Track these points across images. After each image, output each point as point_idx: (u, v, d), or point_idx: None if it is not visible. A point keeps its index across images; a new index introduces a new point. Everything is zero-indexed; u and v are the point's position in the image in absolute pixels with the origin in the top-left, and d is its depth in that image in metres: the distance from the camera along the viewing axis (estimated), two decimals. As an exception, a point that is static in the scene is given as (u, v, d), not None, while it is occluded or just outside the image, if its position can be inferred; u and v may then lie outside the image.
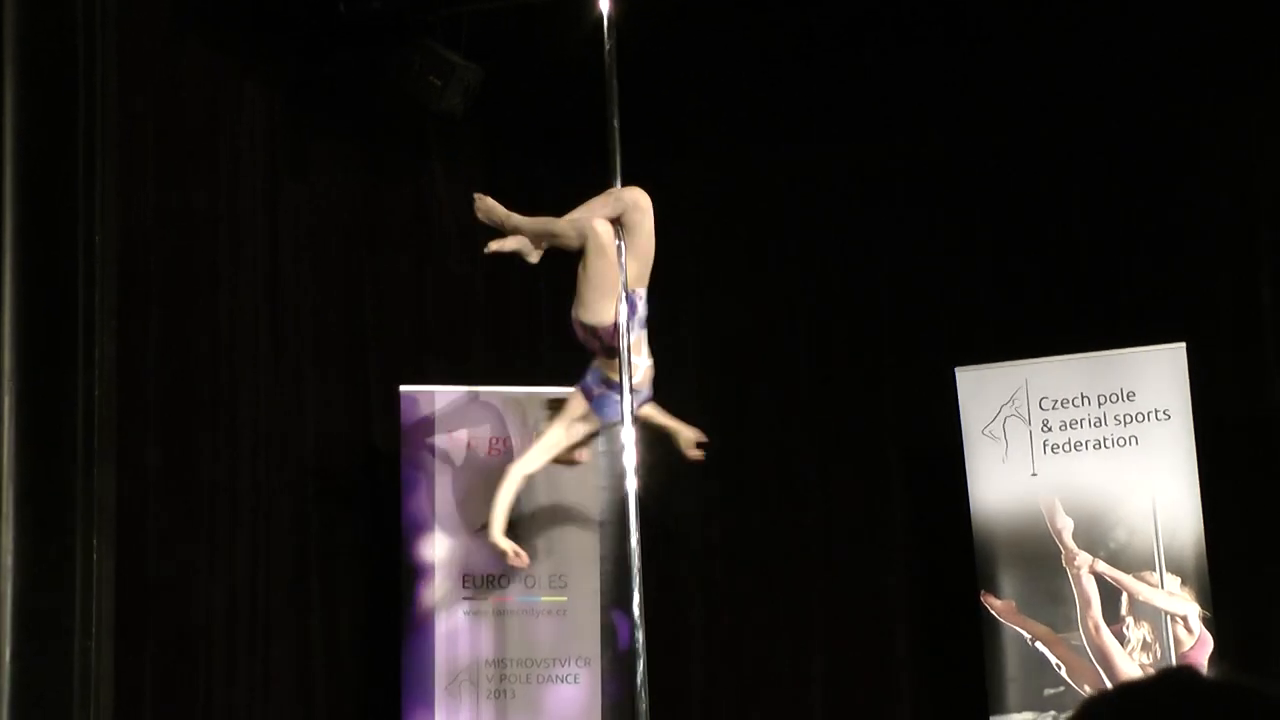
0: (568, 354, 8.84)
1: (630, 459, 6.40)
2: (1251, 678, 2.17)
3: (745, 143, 9.11)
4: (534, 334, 9.16)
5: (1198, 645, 7.75)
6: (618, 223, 6.63)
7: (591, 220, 6.68)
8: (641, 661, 6.22)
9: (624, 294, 6.52)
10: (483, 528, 7.38)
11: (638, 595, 6.25)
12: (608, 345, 6.65)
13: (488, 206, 6.94)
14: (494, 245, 6.98)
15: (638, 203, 6.67)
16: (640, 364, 6.72)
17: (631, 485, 6.37)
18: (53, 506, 5.77)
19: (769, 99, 9.06)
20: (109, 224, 6.10)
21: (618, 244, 6.58)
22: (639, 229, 6.65)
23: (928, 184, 9.02)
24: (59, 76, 6.16)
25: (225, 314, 7.61)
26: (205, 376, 7.46)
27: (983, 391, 8.22)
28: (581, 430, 7.08)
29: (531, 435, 8.09)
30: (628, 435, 6.44)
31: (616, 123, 6.41)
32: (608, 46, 6.41)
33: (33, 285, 5.94)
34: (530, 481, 8.06)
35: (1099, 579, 7.92)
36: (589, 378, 6.96)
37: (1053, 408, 8.13)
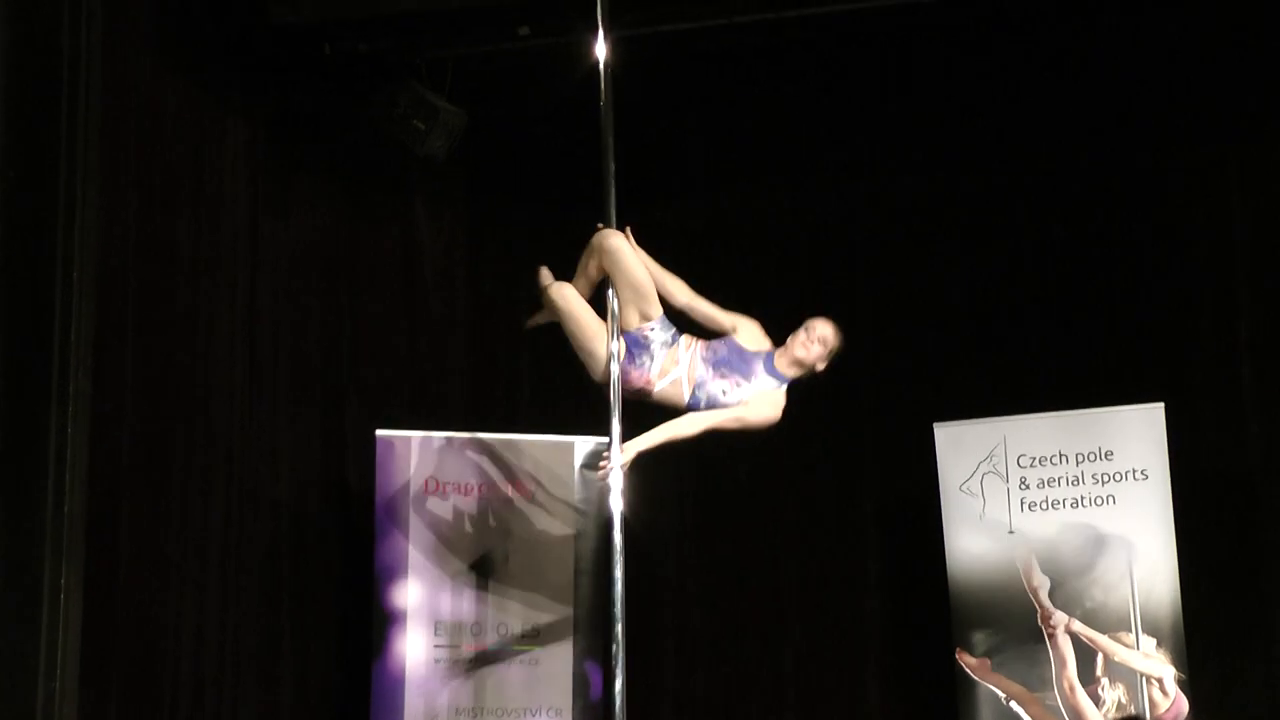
0: (547, 401, 8.86)
1: (617, 505, 6.40)
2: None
3: (728, 193, 9.12)
4: (514, 380, 9.13)
5: (1173, 708, 7.72)
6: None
7: (552, 290, 6.83)
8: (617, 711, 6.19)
9: (617, 337, 6.63)
10: None
11: (619, 633, 6.21)
12: (632, 392, 6.73)
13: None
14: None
15: (602, 246, 6.69)
16: (683, 374, 6.74)
17: (617, 529, 6.35)
18: (22, 544, 5.71)
19: (752, 151, 9.08)
20: (87, 259, 6.07)
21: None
22: (615, 271, 6.66)
23: (907, 240, 9.03)
24: (42, 111, 6.14)
25: (202, 352, 7.56)
26: (180, 414, 7.40)
27: (961, 448, 8.20)
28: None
29: (508, 482, 8.08)
30: (616, 481, 6.42)
31: (612, 169, 6.41)
32: (604, 94, 6.40)
33: (8, 320, 5.90)
34: (507, 531, 8.05)
35: (1075, 638, 7.89)
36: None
37: (1031, 465, 8.12)
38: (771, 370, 6.81)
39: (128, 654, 6.96)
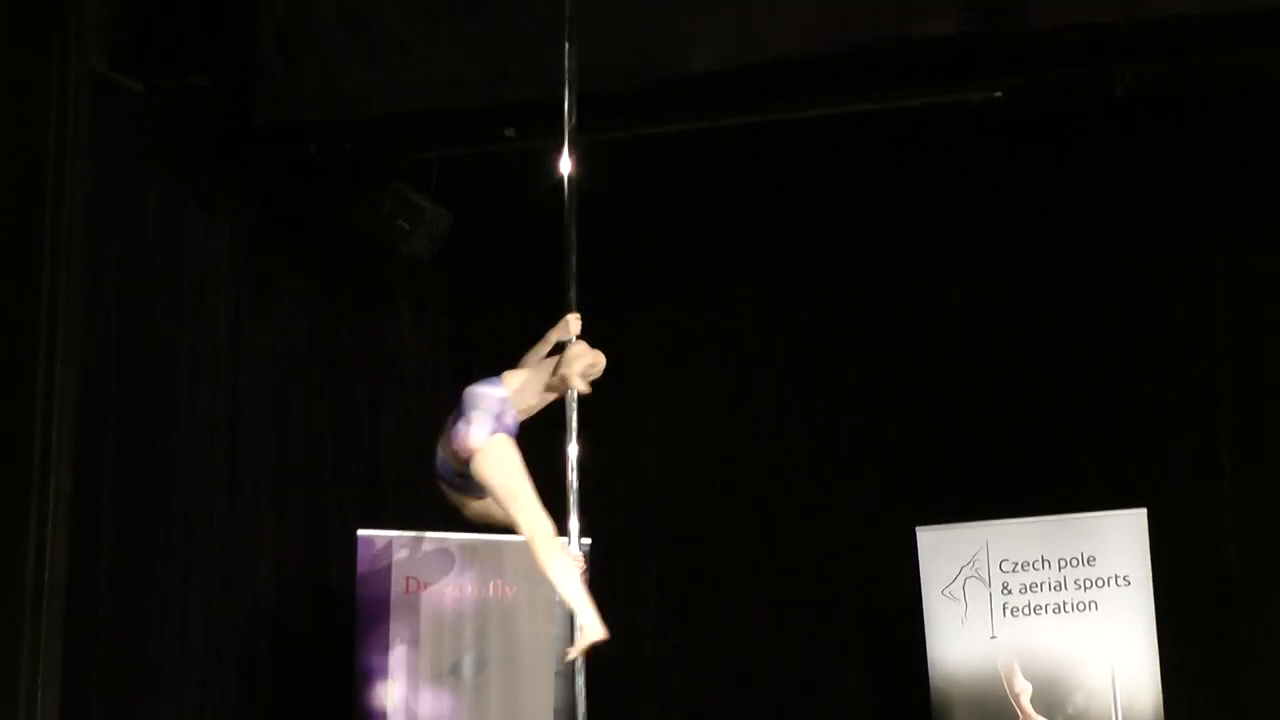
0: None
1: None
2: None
3: (705, 297, 9.15)
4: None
5: (1156, 816, 7.69)
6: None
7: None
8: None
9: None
10: None
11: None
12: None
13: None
14: None
15: None
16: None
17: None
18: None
19: (732, 255, 9.11)
20: (70, 357, 6.08)
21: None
22: None
23: (889, 344, 9.05)
24: (26, 212, 6.17)
25: (184, 450, 7.55)
26: (161, 511, 7.39)
27: (943, 552, 8.19)
28: None
29: (490, 583, 8.05)
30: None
31: (573, 289, 6.33)
32: (567, 208, 6.35)
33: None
34: (487, 631, 8.00)
35: (1057, 745, 7.86)
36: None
37: (1013, 570, 8.11)
38: None
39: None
